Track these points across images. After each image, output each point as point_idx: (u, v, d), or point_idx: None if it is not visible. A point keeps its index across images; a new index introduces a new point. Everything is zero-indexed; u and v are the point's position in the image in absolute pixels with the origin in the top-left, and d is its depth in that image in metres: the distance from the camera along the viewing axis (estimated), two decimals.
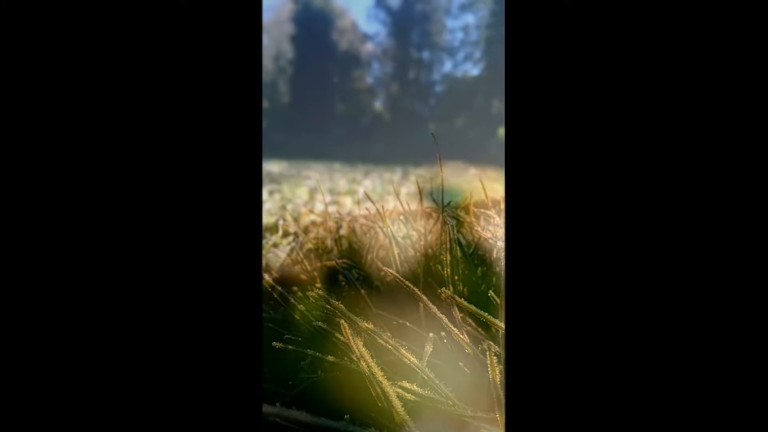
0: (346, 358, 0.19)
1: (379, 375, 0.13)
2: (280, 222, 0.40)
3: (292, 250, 0.36)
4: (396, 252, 0.34)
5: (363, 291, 0.28)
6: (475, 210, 0.42)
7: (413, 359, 0.16)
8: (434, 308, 0.25)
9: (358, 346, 0.14)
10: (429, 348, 0.19)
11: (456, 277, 0.30)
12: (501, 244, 0.34)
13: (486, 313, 0.24)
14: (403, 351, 0.16)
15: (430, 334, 0.25)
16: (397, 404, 0.13)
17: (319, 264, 0.55)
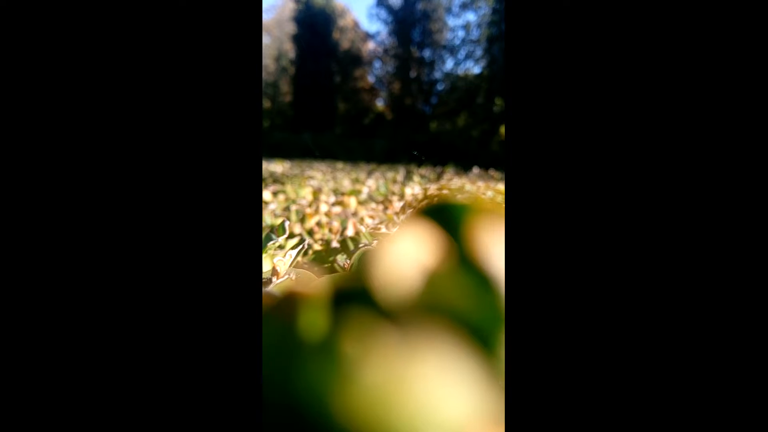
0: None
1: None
2: (287, 223, 0.41)
3: (298, 253, 0.36)
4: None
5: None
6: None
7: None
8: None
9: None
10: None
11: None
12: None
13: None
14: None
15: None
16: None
17: (326, 265, 0.55)
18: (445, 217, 0.12)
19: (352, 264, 0.34)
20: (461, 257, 0.10)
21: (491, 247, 0.11)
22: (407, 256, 0.10)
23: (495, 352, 0.10)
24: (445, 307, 0.10)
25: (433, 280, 0.10)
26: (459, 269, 0.10)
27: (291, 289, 0.12)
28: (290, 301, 0.11)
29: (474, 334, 0.10)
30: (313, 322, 0.10)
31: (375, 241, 0.44)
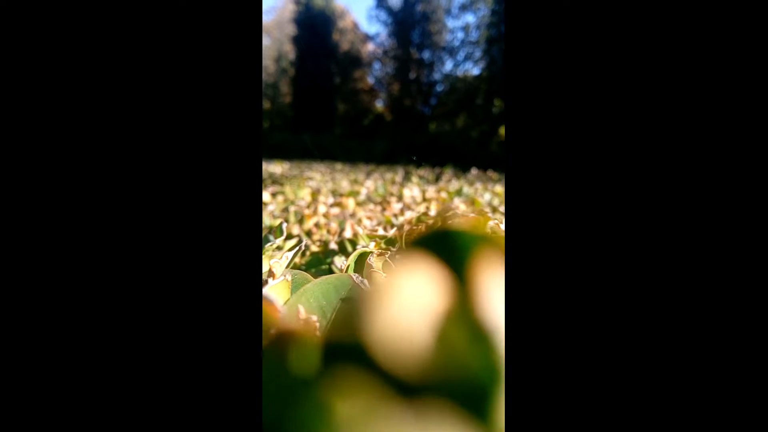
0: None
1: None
2: (285, 225, 0.41)
3: (295, 254, 0.36)
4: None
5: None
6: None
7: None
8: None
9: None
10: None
11: None
12: None
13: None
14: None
15: None
16: None
17: (323, 267, 0.55)
18: (447, 250, 0.10)
19: (348, 266, 0.34)
20: (462, 306, 0.09)
21: (492, 293, 0.09)
22: (411, 304, 0.08)
23: (488, 419, 0.08)
24: (447, 368, 0.08)
25: (442, 335, 0.08)
26: (461, 321, 0.08)
27: (283, 327, 0.10)
28: (280, 341, 0.09)
29: (467, 399, 0.08)
30: (303, 372, 0.08)
31: (372, 243, 0.44)
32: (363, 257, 0.33)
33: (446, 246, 0.09)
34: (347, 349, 0.08)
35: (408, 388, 0.08)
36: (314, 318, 0.24)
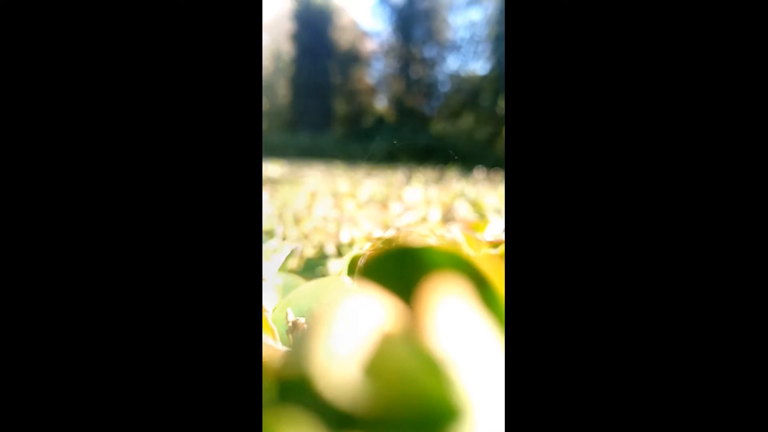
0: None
1: None
2: (280, 228, 0.40)
3: (287, 258, 0.36)
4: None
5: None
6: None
7: None
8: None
9: None
10: None
11: None
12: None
13: None
14: None
15: None
16: None
17: (317, 268, 0.54)
18: (397, 273, 0.09)
19: (341, 270, 0.33)
20: (406, 332, 0.08)
21: (444, 316, 0.08)
22: (350, 334, 0.08)
23: None
24: (391, 398, 0.07)
25: (382, 364, 0.08)
26: (403, 347, 0.08)
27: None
28: None
29: (413, 429, 0.07)
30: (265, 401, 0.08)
31: (367, 245, 0.44)
32: (357, 260, 0.33)
33: (396, 269, 0.09)
34: (293, 383, 0.07)
35: (349, 419, 0.07)
36: (302, 321, 0.24)
